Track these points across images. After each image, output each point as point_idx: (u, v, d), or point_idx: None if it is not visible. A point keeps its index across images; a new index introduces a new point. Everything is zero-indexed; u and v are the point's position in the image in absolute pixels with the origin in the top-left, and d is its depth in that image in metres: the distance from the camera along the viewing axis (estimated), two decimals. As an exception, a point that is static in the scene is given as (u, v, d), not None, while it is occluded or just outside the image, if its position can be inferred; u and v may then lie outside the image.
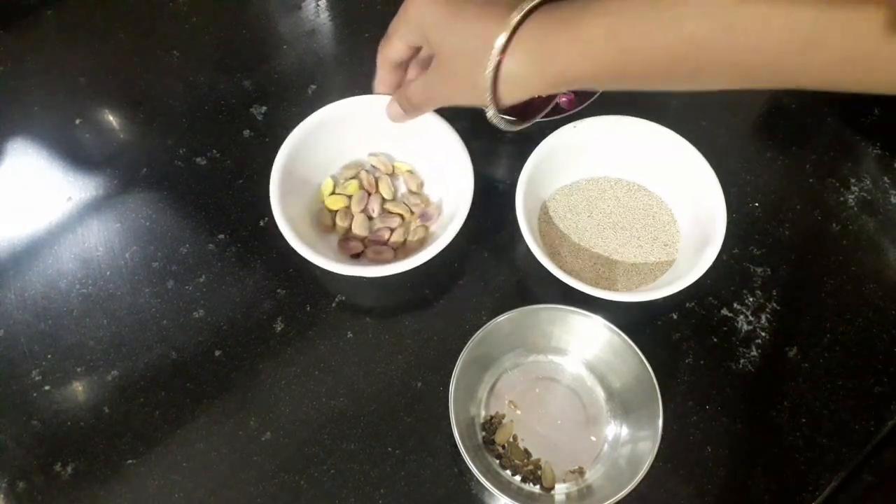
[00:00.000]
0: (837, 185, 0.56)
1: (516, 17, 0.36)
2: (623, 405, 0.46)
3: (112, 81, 0.61)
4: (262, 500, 0.45)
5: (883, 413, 0.48)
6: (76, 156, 0.57)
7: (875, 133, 0.58)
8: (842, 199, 0.56)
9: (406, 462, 0.47)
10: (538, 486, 0.45)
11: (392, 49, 0.44)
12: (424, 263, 0.47)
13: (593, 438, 0.46)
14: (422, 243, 0.52)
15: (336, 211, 0.53)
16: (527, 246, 0.47)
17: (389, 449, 0.47)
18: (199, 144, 0.57)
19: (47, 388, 0.49)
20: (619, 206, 0.53)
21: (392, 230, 0.52)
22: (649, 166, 0.53)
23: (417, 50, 0.44)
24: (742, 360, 0.50)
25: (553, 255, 0.51)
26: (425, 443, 0.47)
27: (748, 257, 0.53)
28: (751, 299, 0.52)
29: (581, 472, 0.45)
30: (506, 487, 0.43)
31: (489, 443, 0.46)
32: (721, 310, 0.51)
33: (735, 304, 0.52)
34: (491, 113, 0.40)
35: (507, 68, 0.37)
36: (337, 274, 0.46)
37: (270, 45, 0.63)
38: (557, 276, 0.46)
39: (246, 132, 0.58)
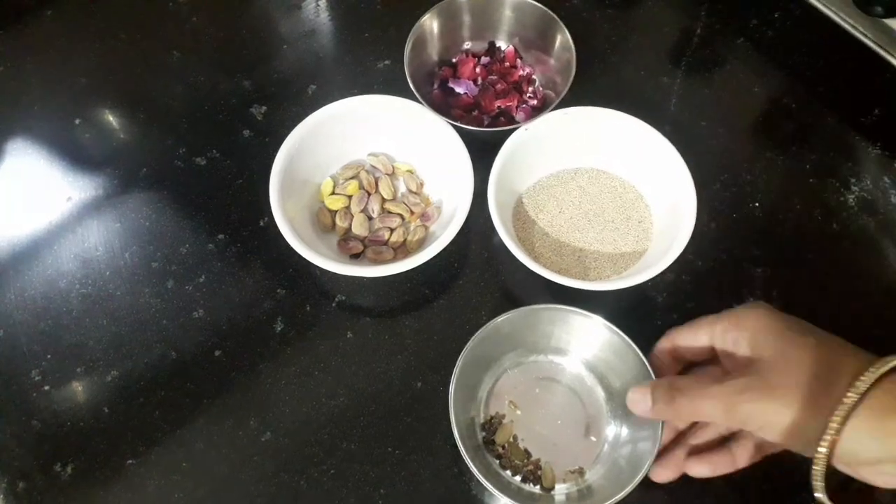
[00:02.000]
0: (837, 185, 0.56)
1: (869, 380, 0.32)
2: (623, 405, 0.46)
3: (112, 81, 0.61)
4: (262, 500, 0.45)
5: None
6: (76, 156, 0.57)
7: (875, 133, 0.58)
8: (842, 199, 0.56)
9: (406, 462, 0.47)
10: (538, 487, 0.45)
11: (692, 336, 0.40)
12: (424, 263, 0.47)
13: (593, 439, 0.46)
14: (421, 243, 0.52)
15: (336, 211, 0.53)
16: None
17: (389, 449, 0.47)
18: (199, 144, 0.57)
19: (47, 388, 0.49)
20: (584, 194, 0.54)
21: (392, 230, 0.52)
22: (606, 151, 0.54)
23: (709, 355, 0.40)
24: (742, 360, 0.50)
25: (537, 256, 0.51)
26: (425, 443, 0.47)
27: (748, 257, 0.53)
28: (751, 299, 0.52)
29: (581, 472, 0.45)
30: (506, 488, 0.43)
31: (489, 443, 0.46)
32: (721, 310, 0.51)
33: (735, 305, 0.51)
34: (816, 472, 0.33)
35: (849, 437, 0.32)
36: (336, 274, 0.46)
37: (270, 45, 0.63)
38: (542, 273, 0.46)
39: (246, 132, 0.58)
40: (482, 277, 0.52)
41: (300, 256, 0.47)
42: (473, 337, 0.44)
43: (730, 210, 0.55)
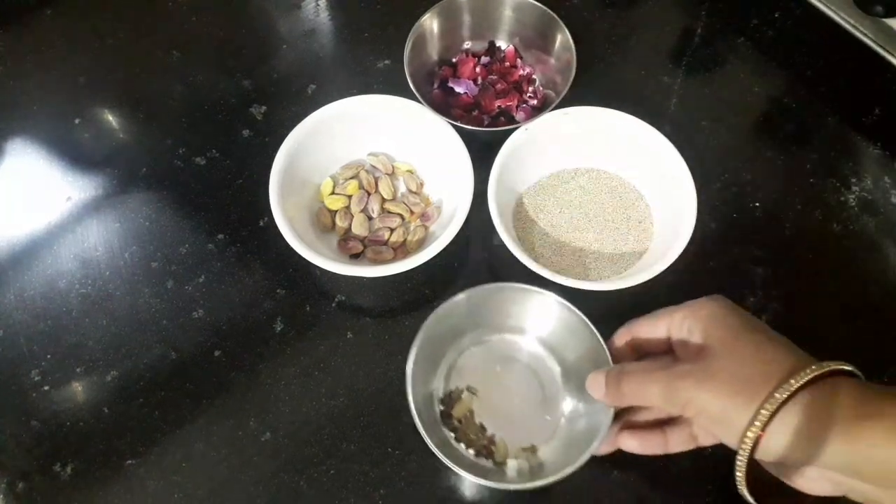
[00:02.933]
0: (838, 185, 0.56)
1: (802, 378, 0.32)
2: (578, 379, 0.46)
3: (112, 81, 0.61)
4: (262, 500, 0.45)
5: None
6: (76, 156, 0.57)
7: (875, 133, 0.58)
8: (842, 199, 0.56)
9: (406, 462, 0.46)
10: (490, 461, 0.45)
11: (652, 327, 0.40)
12: (424, 263, 0.47)
13: (548, 417, 0.46)
14: (421, 243, 0.52)
15: (336, 211, 0.53)
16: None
17: (389, 449, 0.47)
18: (198, 144, 0.57)
19: (47, 388, 0.49)
20: (584, 194, 0.54)
21: (392, 230, 0.52)
22: (606, 151, 0.54)
23: (667, 347, 0.40)
24: (742, 361, 0.50)
25: (537, 256, 0.51)
26: (425, 443, 0.47)
27: (748, 257, 0.53)
28: (751, 299, 0.52)
29: (533, 449, 0.46)
30: (460, 460, 0.43)
31: (446, 416, 0.46)
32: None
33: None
34: (739, 464, 0.34)
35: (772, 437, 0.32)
36: (336, 274, 0.46)
37: (270, 45, 0.63)
38: (542, 273, 0.46)
39: (246, 132, 0.58)
40: (482, 277, 0.52)
41: (300, 256, 0.47)
42: (434, 312, 0.45)
43: (730, 210, 0.55)
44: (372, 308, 0.52)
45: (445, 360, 0.48)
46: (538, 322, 0.48)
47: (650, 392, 0.37)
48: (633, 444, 0.41)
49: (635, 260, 0.51)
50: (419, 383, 0.44)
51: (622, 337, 0.43)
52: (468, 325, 0.48)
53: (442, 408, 0.47)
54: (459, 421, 0.46)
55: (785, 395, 0.32)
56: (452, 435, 0.46)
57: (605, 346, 0.43)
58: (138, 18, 0.63)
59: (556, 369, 0.48)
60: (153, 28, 0.63)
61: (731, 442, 0.34)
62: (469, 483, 0.46)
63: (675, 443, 0.41)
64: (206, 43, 0.63)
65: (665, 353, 0.41)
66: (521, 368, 0.48)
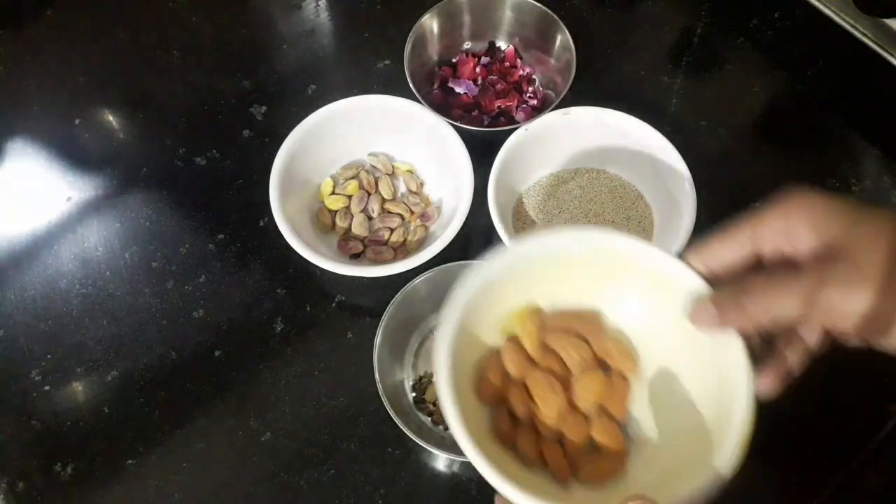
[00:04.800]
0: (837, 185, 0.56)
1: None
2: None
3: (112, 81, 0.61)
4: (262, 500, 0.45)
5: (883, 413, 0.48)
6: (76, 156, 0.57)
7: (875, 133, 0.58)
8: (842, 199, 0.56)
9: (406, 462, 0.47)
10: None
11: (728, 247, 0.33)
12: (424, 263, 0.47)
13: None
14: (421, 243, 0.52)
15: (336, 211, 0.53)
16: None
17: (389, 449, 0.47)
18: (198, 144, 0.57)
19: (47, 388, 0.49)
20: (584, 194, 0.54)
21: (392, 230, 0.52)
22: (606, 151, 0.54)
23: (749, 268, 0.34)
24: (742, 360, 0.50)
25: None
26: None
27: (748, 257, 0.53)
28: (751, 299, 0.52)
29: None
30: (440, 442, 0.43)
31: (420, 402, 0.47)
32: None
33: (735, 304, 0.52)
34: None
35: None
36: (336, 274, 0.46)
37: (270, 45, 0.63)
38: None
39: (246, 132, 0.58)
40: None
41: (300, 256, 0.47)
42: (393, 300, 0.45)
43: (730, 210, 0.55)
44: (372, 308, 0.52)
45: (410, 348, 0.49)
46: None
47: (784, 303, 0.30)
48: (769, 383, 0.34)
49: None
50: (387, 374, 0.45)
51: (710, 257, 0.34)
52: (429, 309, 0.48)
53: (414, 394, 0.47)
54: (434, 404, 0.47)
55: None
56: (429, 419, 0.46)
57: None
58: (138, 18, 0.63)
59: None
60: (153, 28, 0.63)
61: (883, 341, 0.30)
62: (468, 483, 0.46)
63: (796, 362, 0.35)
64: (206, 43, 0.63)
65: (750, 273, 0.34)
66: None
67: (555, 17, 0.55)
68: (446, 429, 0.46)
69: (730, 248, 0.33)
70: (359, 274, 0.47)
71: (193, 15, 0.64)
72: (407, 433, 0.42)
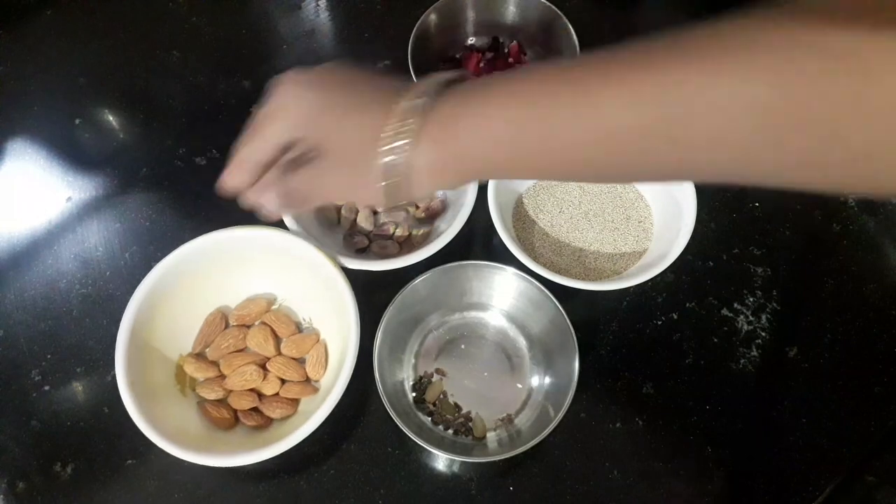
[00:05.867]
0: (838, 185, 0.56)
1: (403, 105, 0.32)
2: (544, 351, 0.48)
3: (112, 81, 0.61)
4: (262, 500, 0.45)
5: (883, 413, 0.48)
6: (76, 156, 0.57)
7: (875, 133, 0.58)
8: (842, 199, 0.56)
9: (406, 462, 0.46)
10: (470, 437, 0.46)
11: (260, 151, 0.38)
12: (428, 258, 0.47)
13: (519, 386, 0.48)
14: (426, 238, 0.52)
15: (341, 205, 0.53)
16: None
17: (389, 449, 0.47)
18: (198, 144, 0.57)
19: (47, 388, 0.49)
20: (584, 194, 0.54)
21: (397, 225, 0.53)
22: None
23: (284, 151, 0.38)
24: (742, 360, 0.50)
25: (537, 256, 0.51)
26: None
27: (748, 257, 0.53)
28: (751, 299, 0.52)
29: (509, 418, 0.47)
30: (440, 443, 0.44)
31: (420, 402, 0.47)
32: (721, 310, 0.51)
33: (735, 305, 0.52)
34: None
35: (398, 161, 0.32)
36: (342, 268, 0.46)
37: (270, 45, 0.63)
38: (542, 273, 0.46)
39: (246, 132, 0.58)
40: (482, 277, 0.52)
41: (300, 256, 0.47)
42: (392, 301, 0.45)
43: (730, 210, 0.55)
44: (372, 308, 0.52)
45: (410, 348, 0.49)
46: (499, 297, 0.49)
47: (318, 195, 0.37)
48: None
49: (635, 260, 0.51)
50: (387, 374, 0.45)
51: (245, 174, 0.38)
52: (428, 309, 0.49)
53: (414, 394, 0.48)
54: (434, 404, 0.47)
55: (408, 104, 0.31)
56: (429, 419, 0.47)
57: (565, 315, 0.44)
58: (138, 18, 0.63)
59: (522, 340, 0.49)
60: (153, 28, 0.63)
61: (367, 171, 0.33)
62: (468, 483, 0.46)
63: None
64: (206, 43, 0.63)
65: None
66: (485, 343, 0.49)
67: (559, 12, 0.55)
68: (446, 429, 0.46)
69: (265, 149, 0.38)
70: (365, 268, 0.47)
71: (193, 15, 0.64)
72: (407, 433, 0.42)
